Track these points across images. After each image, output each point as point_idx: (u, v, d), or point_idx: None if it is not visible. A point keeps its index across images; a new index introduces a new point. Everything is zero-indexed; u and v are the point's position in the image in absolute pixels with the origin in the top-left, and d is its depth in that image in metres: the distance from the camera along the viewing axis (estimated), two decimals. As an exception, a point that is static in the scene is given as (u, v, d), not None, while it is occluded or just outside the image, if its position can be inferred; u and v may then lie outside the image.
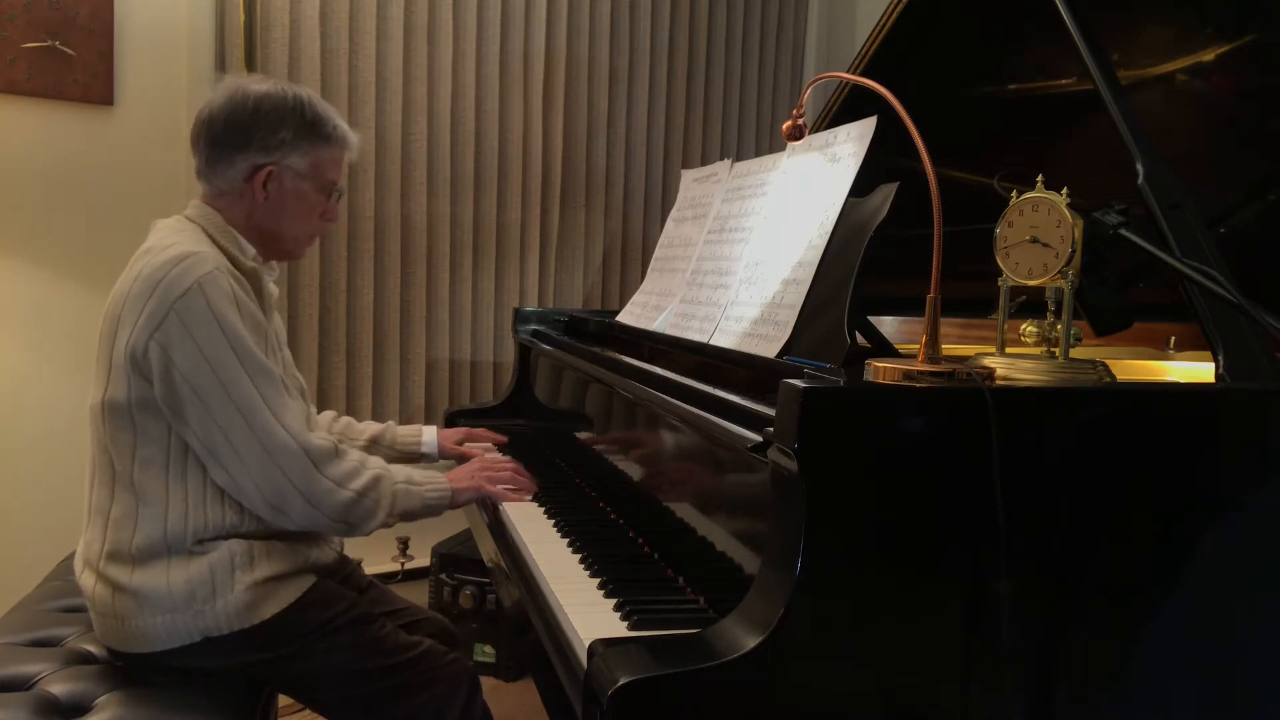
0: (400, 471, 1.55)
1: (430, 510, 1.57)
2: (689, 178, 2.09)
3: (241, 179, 1.51)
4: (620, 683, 0.90)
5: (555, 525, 1.55)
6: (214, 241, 1.48)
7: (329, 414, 1.88)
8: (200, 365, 1.36)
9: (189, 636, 1.39)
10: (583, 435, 1.89)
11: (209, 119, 1.51)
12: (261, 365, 1.41)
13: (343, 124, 1.59)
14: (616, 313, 2.12)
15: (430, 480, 1.58)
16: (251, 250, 1.53)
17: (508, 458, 1.80)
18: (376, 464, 1.52)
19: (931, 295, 1.07)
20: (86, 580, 1.44)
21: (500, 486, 1.69)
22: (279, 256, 1.62)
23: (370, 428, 1.88)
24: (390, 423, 1.93)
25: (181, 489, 1.41)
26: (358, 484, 1.46)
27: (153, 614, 1.38)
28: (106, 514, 1.42)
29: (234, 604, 1.39)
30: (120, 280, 1.45)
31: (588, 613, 1.17)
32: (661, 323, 1.83)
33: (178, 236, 1.45)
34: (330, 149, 1.57)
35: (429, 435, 1.90)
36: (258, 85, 1.52)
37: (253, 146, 1.50)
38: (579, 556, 1.39)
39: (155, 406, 1.39)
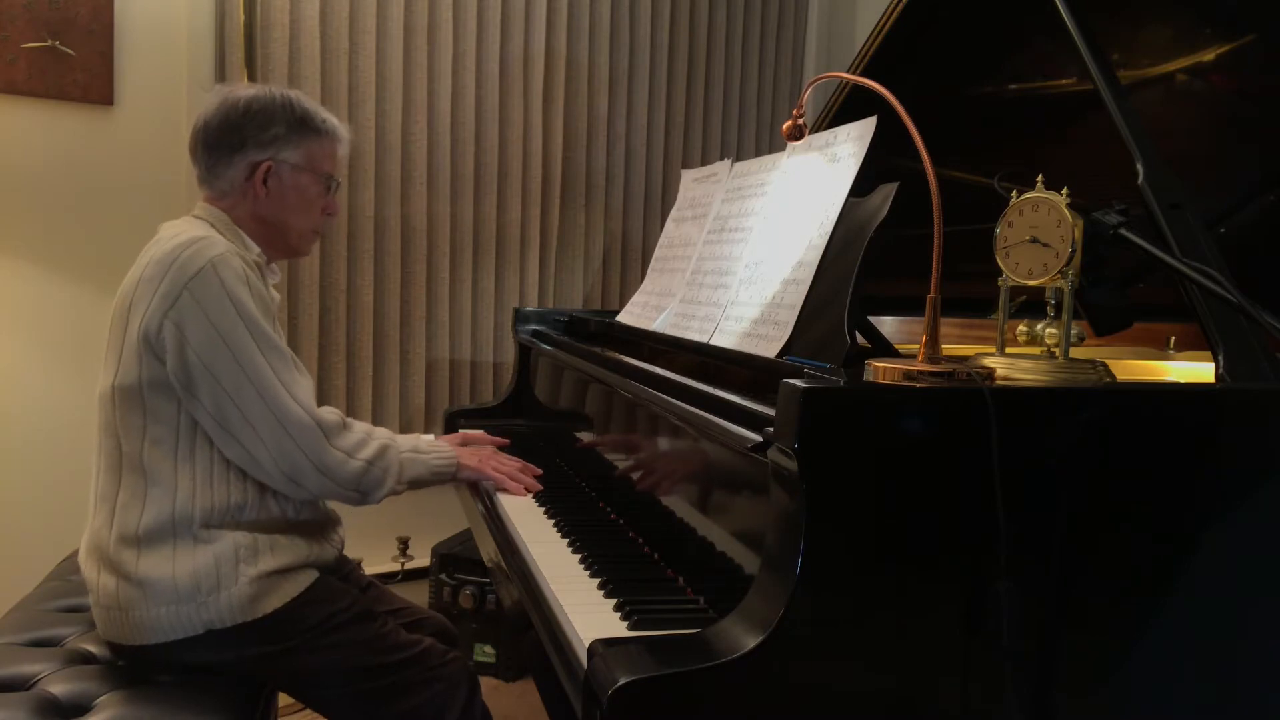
0: (406, 440, 1.62)
1: (437, 476, 1.64)
2: (689, 178, 2.09)
3: (242, 178, 1.56)
4: (620, 683, 0.90)
5: (555, 525, 1.55)
6: (220, 235, 1.50)
7: (330, 409, 1.88)
8: (214, 341, 1.39)
9: (191, 629, 1.40)
10: (583, 435, 1.89)
11: (203, 126, 1.57)
12: (273, 342, 1.44)
13: (331, 118, 1.64)
14: (616, 313, 2.12)
15: (435, 449, 1.65)
16: (256, 249, 1.57)
17: (516, 458, 1.82)
18: (383, 434, 1.58)
19: (931, 295, 1.07)
20: (91, 572, 1.45)
21: (502, 475, 1.73)
22: (285, 253, 1.66)
23: None
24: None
25: (190, 469, 1.43)
26: (367, 453, 1.51)
27: (156, 604, 1.39)
28: (113, 500, 1.44)
29: (237, 596, 1.40)
30: (131, 271, 1.49)
31: (588, 613, 1.16)
32: (661, 323, 1.83)
33: (186, 227, 1.50)
34: (322, 141, 1.61)
35: (426, 439, 1.91)
36: (245, 90, 1.58)
37: (248, 145, 1.55)
38: (579, 556, 1.39)
39: (167, 386, 1.41)
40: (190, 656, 1.42)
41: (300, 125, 1.58)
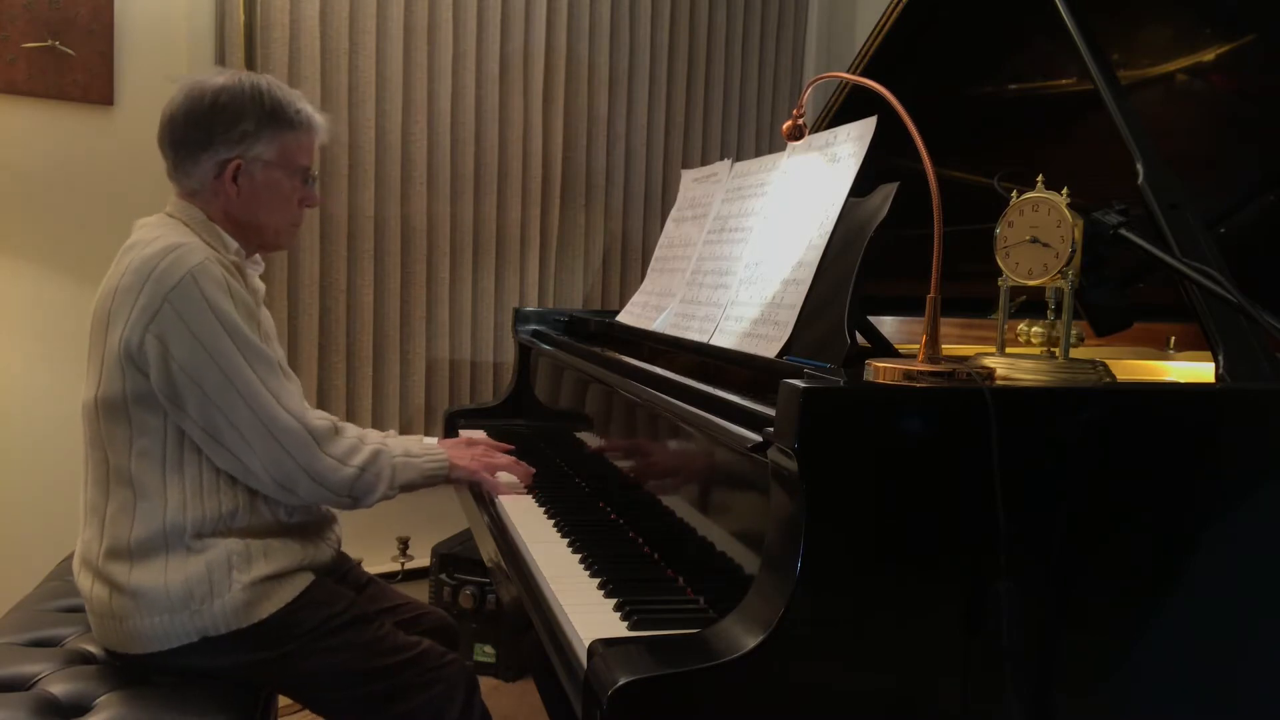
0: (398, 445, 1.59)
1: (429, 480, 1.61)
2: (689, 178, 2.09)
3: (211, 176, 1.51)
4: (620, 683, 0.90)
5: (555, 525, 1.54)
6: (197, 236, 1.47)
7: (320, 414, 1.87)
8: (198, 354, 1.37)
9: (186, 637, 1.39)
10: (583, 435, 1.89)
11: (169, 120, 1.51)
12: (258, 350, 1.42)
13: (306, 107, 1.57)
14: (616, 313, 2.12)
15: (427, 452, 1.62)
16: (234, 245, 1.53)
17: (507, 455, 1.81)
18: (375, 439, 1.56)
19: (931, 295, 1.07)
20: (84, 581, 1.44)
21: (496, 478, 1.71)
22: (263, 249, 1.62)
23: (373, 435, 1.88)
24: (391, 431, 1.94)
25: (179, 481, 1.41)
26: (359, 459, 1.49)
27: (150, 614, 1.38)
28: (103, 512, 1.42)
29: (231, 604, 1.39)
30: (107, 277, 1.46)
31: (588, 613, 1.16)
32: (661, 323, 1.83)
33: (162, 230, 1.46)
34: (296, 134, 1.55)
35: (428, 443, 1.90)
36: (215, 79, 1.51)
37: (215, 142, 1.49)
38: (579, 556, 1.39)
39: (152, 399, 1.39)
40: (186, 664, 1.41)
41: (271, 118, 1.51)
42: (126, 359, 1.38)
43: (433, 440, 1.93)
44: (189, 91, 1.50)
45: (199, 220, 1.50)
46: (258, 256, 1.61)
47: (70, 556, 1.69)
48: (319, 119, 1.59)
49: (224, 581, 1.40)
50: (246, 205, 1.53)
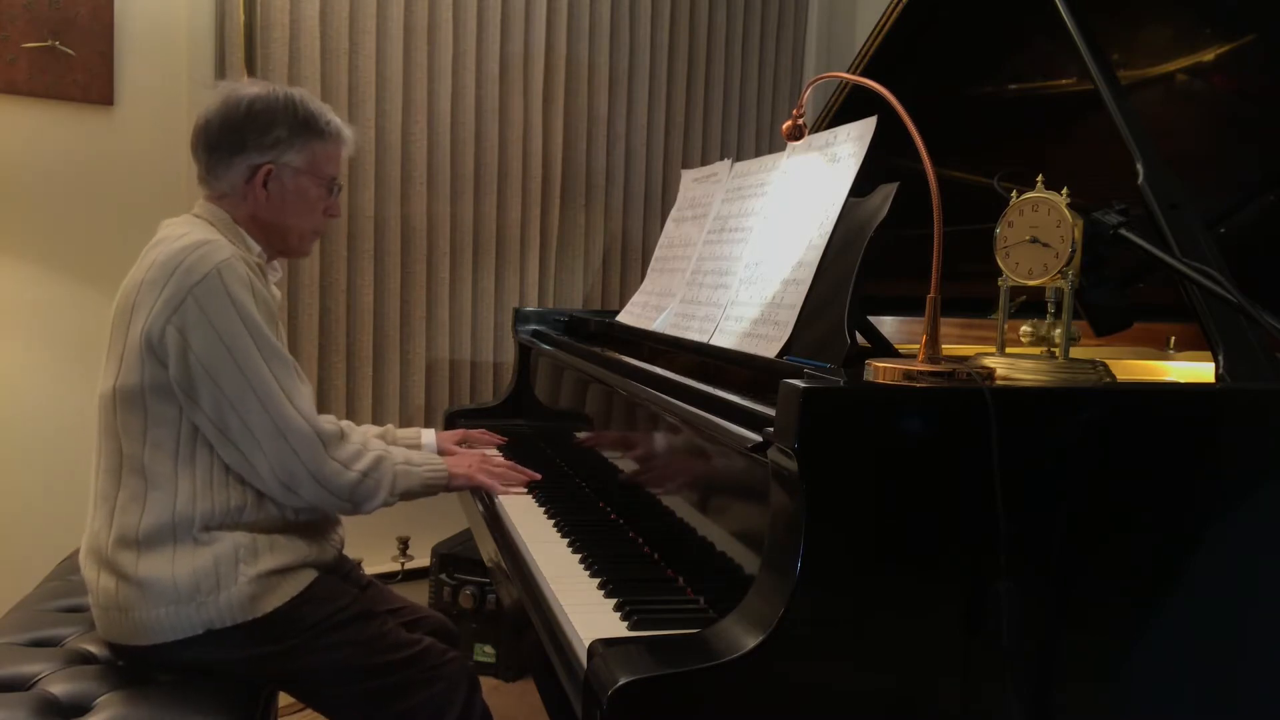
0: (399, 453, 1.61)
1: (428, 489, 1.63)
2: (689, 178, 2.09)
3: (242, 180, 1.55)
4: (620, 683, 0.90)
5: (555, 525, 1.55)
6: (222, 236, 1.50)
7: (328, 418, 1.88)
8: (217, 348, 1.39)
9: (191, 629, 1.40)
10: (583, 435, 1.89)
11: (205, 125, 1.55)
12: (276, 350, 1.44)
13: (336, 119, 1.62)
14: (616, 313, 2.12)
15: (427, 461, 1.64)
16: (257, 248, 1.56)
17: (506, 459, 1.82)
18: (377, 446, 1.58)
19: (931, 295, 1.07)
20: (90, 573, 1.45)
21: (494, 480, 1.73)
22: (284, 254, 1.66)
23: (370, 430, 1.89)
24: (389, 425, 1.94)
25: (190, 472, 1.42)
26: (362, 465, 1.51)
27: (156, 605, 1.39)
28: (113, 501, 1.43)
29: (237, 596, 1.40)
30: (133, 270, 1.48)
31: (588, 613, 1.17)
32: (661, 323, 1.83)
33: (188, 227, 1.49)
34: (325, 144, 1.60)
35: (428, 437, 1.92)
36: (250, 88, 1.56)
37: (248, 147, 1.53)
38: (579, 556, 1.39)
39: (168, 390, 1.41)
40: (190, 656, 1.42)
41: (304, 127, 1.56)
42: (147, 349, 1.40)
43: (430, 432, 1.94)
44: (225, 99, 1.55)
45: (224, 221, 1.54)
46: (275, 264, 1.64)
47: (71, 556, 1.69)
48: (347, 131, 1.65)
49: (230, 574, 1.41)
50: (274, 209, 1.57)
